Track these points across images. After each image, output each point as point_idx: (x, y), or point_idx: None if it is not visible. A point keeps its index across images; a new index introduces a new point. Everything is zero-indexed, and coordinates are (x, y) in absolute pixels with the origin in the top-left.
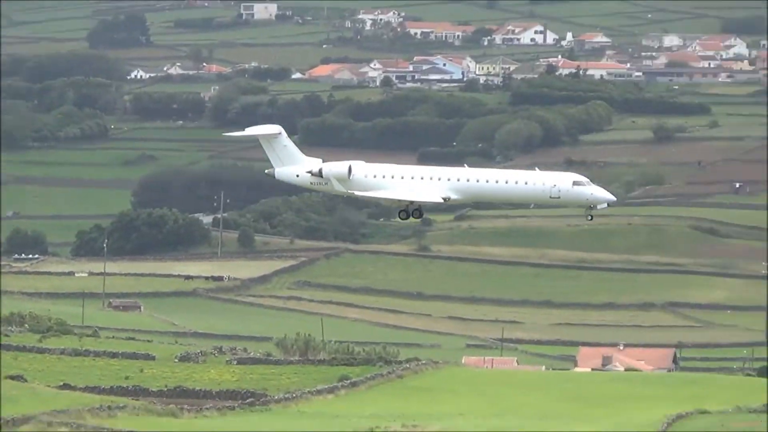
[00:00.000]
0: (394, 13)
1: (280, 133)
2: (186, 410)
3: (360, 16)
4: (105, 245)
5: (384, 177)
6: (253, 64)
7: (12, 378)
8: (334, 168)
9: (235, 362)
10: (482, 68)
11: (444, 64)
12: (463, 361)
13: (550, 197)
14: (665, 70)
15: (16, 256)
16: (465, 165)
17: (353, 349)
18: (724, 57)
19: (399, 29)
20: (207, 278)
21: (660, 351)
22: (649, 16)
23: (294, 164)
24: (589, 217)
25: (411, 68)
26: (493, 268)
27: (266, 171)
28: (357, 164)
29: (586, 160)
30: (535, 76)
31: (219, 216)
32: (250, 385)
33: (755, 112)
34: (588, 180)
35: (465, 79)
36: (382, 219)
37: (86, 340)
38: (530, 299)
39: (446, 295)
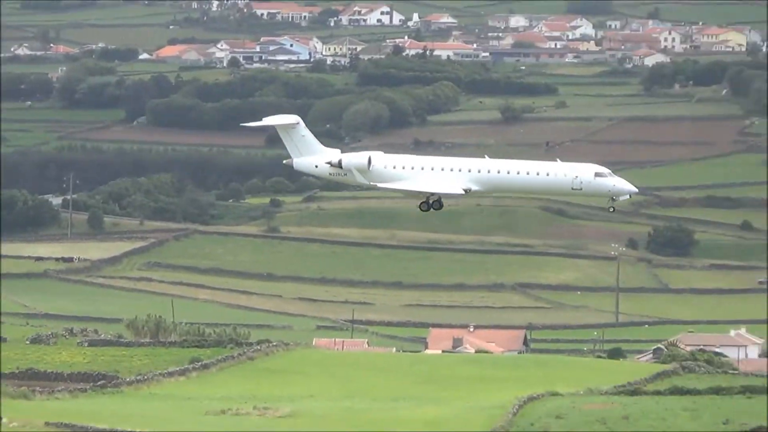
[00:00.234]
0: None
1: (298, 123)
2: (38, 392)
3: None
4: None
5: (404, 168)
6: (100, 45)
7: None
8: (354, 159)
9: (86, 344)
10: (329, 49)
11: (291, 45)
12: (313, 342)
13: (572, 188)
14: (512, 50)
15: None
16: (485, 156)
17: (204, 330)
18: (570, 37)
19: (245, 10)
20: (57, 259)
21: (510, 332)
22: None
23: (312, 155)
24: (611, 209)
25: (258, 49)
26: (343, 249)
27: (284, 161)
28: (376, 155)
29: (434, 140)
30: (382, 56)
31: (68, 197)
32: (101, 367)
33: (602, 93)
34: (609, 171)
35: (312, 59)
36: (231, 200)
37: None
38: (381, 280)
39: (297, 277)
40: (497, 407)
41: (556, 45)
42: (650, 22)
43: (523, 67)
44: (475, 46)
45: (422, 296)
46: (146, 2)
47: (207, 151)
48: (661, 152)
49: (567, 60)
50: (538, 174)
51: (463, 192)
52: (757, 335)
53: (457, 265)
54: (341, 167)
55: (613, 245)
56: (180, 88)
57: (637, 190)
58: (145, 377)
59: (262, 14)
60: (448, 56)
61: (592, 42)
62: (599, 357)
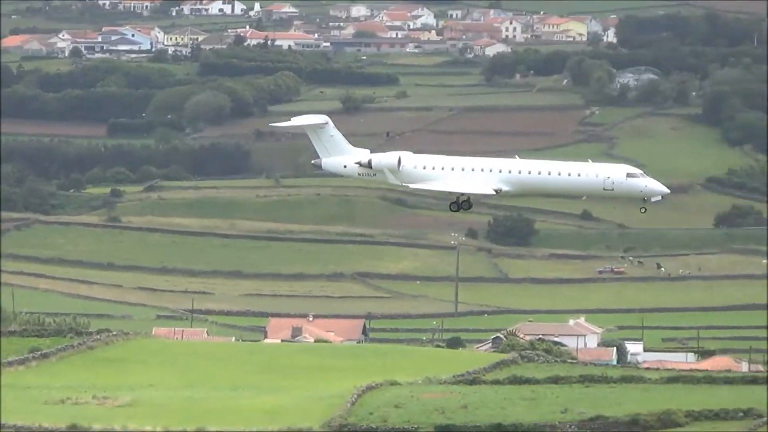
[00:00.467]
0: None
1: (327, 123)
2: None
3: None
4: None
5: (434, 168)
6: None
7: None
8: (384, 159)
9: None
10: (171, 39)
11: (133, 35)
12: (153, 332)
13: (604, 189)
14: (353, 40)
15: None
16: (516, 156)
17: (44, 320)
18: (411, 27)
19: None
20: None
21: (350, 322)
22: None
23: (341, 155)
24: (644, 210)
25: (100, 39)
26: (183, 239)
27: (312, 161)
28: (406, 155)
29: (275, 131)
30: (224, 46)
31: None
32: None
33: (443, 83)
34: (642, 172)
35: (154, 49)
36: (72, 190)
37: None
38: (220, 270)
39: (137, 266)
40: (336, 396)
41: (397, 35)
42: (491, 11)
43: (364, 57)
44: (316, 35)
45: (262, 286)
46: None
47: (48, 141)
48: (502, 142)
49: (408, 50)
50: (569, 175)
51: (494, 192)
52: (595, 324)
53: (297, 254)
54: (371, 167)
55: (452, 235)
56: (22, 78)
57: (669, 191)
58: None
59: (104, 4)
60: (290, 46)
61: (434, 32)
62: (438, 346)
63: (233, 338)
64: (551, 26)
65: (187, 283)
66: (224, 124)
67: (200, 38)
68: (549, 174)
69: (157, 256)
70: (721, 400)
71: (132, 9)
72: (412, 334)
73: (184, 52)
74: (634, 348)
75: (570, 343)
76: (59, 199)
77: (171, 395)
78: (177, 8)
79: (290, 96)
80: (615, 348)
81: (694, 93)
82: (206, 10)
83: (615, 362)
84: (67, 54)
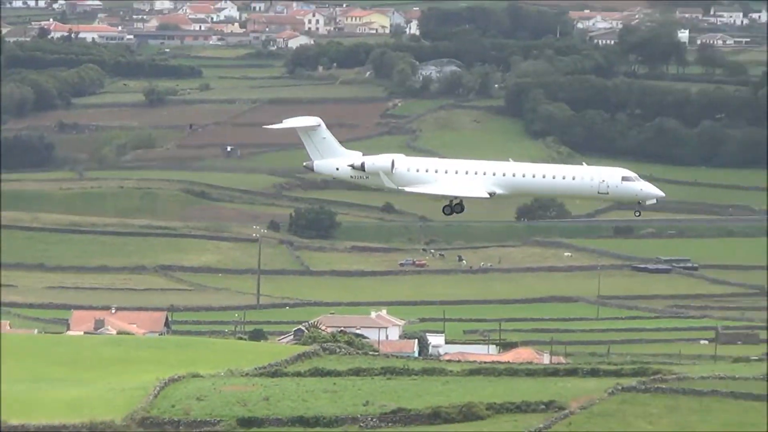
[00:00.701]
0: None
1: (319, 125)
2: None
3: None
4: None
5: (427, 171)
6: None
7: None
8: (378, 162)
9: None
10: None
11: None
12: None
13: (599, 192)
14: (157, 32)
15: None
16: (510, 159)
17: None
18: (215, 20)
19: None
20: None
21: (152, 314)
22: None
23: (333, 157)
24: (638, 213)
25: None
26: None
27: (304, 164)
28: (399, 158)
29: (78, 123)
30: (28, 39)
31: None
32: None
33: (246, 75)
34: (636, 175)
35: None
36: None
37: None
38: (24, 262)
39: None
40: (138, 388)
41: (200, 27)
42: (294, 4)
43: (168, 50)
44: (120, 28)
45: (65, 278)
46: None
47: None
48: None
49: (211, 42)
50: (564, 178)
51: (488, 196)
52: (397, 317)
53: (100, 247)
54: (364, 170)
55: (254, 227)
56: None
57: (664, 194)
58: None
59: None
60: (93, 39)
61: (237, 24)
62: (240, 339)
63: (36, 330)
64: (354, 18)
65: None
66: (27, 117)
67: (5, 31)
68: (543, 177)
69: None
70: (523, 392)
71: None
72: (214, 327)
73: None
74: (435, 340)
75: (372, 335)
76: None
77: None
78: None
79: (94, 89)
80: (416, 340)
81: (496, 85)
82: (10, 2)
83: (416, 354)
84: None
